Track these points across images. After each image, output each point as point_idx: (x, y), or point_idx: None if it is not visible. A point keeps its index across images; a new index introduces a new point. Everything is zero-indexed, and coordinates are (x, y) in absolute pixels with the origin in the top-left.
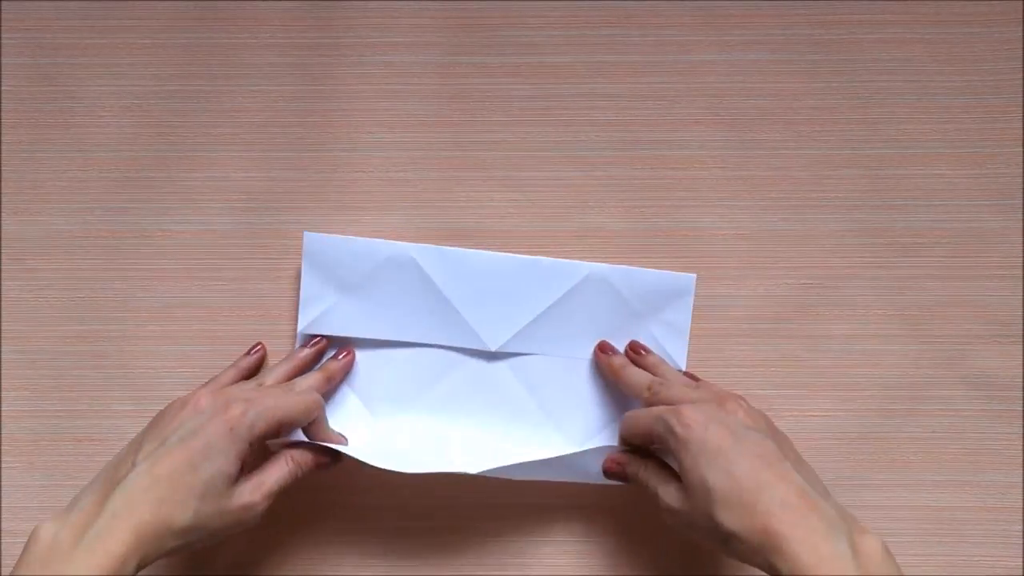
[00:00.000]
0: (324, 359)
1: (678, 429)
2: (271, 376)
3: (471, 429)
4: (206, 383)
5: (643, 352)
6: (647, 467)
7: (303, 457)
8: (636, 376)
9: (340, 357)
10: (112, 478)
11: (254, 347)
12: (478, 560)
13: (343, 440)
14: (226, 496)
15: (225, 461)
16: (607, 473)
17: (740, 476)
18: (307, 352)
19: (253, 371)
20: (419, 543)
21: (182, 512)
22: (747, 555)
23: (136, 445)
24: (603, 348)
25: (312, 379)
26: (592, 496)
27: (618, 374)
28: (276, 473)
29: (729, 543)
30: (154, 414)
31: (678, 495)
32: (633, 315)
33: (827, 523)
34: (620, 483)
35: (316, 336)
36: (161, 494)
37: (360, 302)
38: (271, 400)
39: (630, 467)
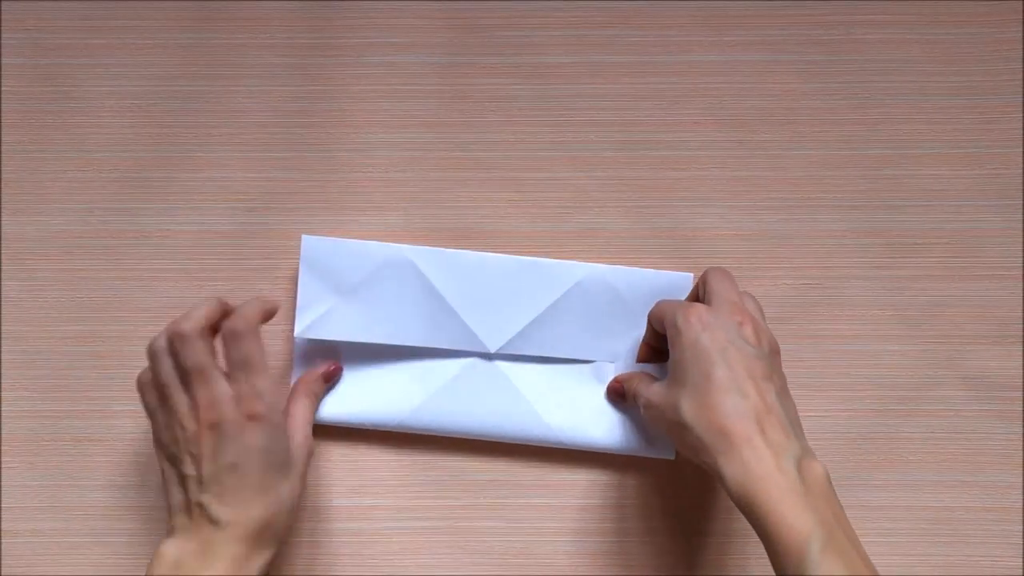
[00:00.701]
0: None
1: (679, 322)
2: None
3: (469, 431)
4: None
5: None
6: (640, 378)
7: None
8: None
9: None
10: (187, 506)
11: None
12: (477, 560)
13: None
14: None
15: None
16: (609, 393)
17: (716, 378)
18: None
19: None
20: (418, 541)
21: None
22: (698, 450)
23: (194, 471)
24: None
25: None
26: (589, 495)
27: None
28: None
29: (685, 435)
30: None
31: (659, 389)
32: (632, 315)
33: (782, 441)
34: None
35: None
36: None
37: (358, 305)
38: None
39: (627, 383)
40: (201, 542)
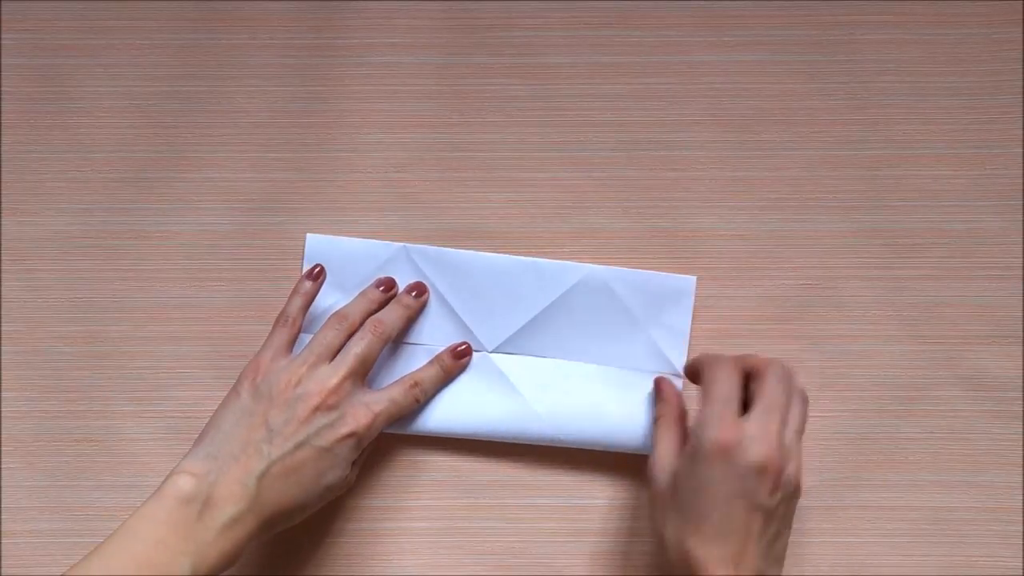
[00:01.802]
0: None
1: (705, 440)
2: (361, 346)
3: (468, 431)
4: (283, 326)
5: None
6: (666, 423)
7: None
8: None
9: (459, 355)
10: (241, 454)
11: (313, 270)
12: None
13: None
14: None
15: (346, 469)
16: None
17: (710, 522)
18: (380, 297)
19: (315, 296)
20: (417, 541)
21: (304, 508)
22: (666, 564)
23: (259, 420)
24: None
25: (431, 375)
26: (589, 495)
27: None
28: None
29: (660, 540)
30: (154, 415)
31: (663, 463)
32: (632, 318)
33: None
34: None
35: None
36: (293, 493)
37: None
38: (393, 406)
39: (664, 407)
40: (226, 494)
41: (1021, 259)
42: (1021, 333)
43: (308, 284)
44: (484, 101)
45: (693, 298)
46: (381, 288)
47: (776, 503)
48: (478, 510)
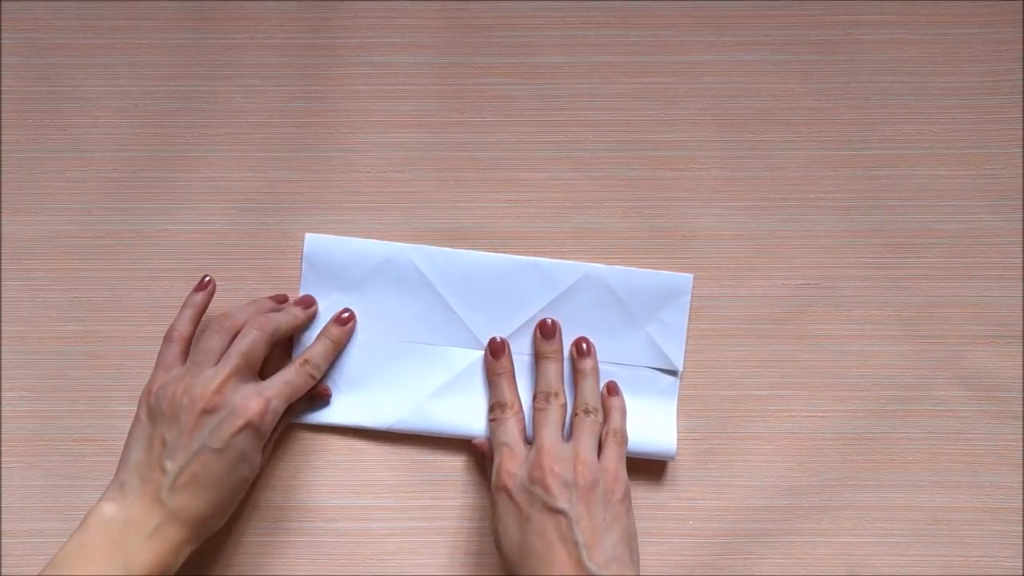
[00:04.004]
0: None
1: (494, 475)
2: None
3: (467, 432)
4: (170, 341)
5: (588, 356)
6: (513, 446)
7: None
8: (548, 375)
9: (343, 321)
10: (148, 476)
11: (203, 280)
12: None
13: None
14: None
15: (256, 458)
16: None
17: (527, 548)
18: (270, 306)
19: (205, 307)
20: (416, 541)
21: (224, 507)
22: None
23: (157, 441)
24: (542, 329)
25: (320, 350)
26: None
27: (538, 361)
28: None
29: (498, 549)
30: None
31: (508, 473)
32: (629, 315)
33: None
34: None
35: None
36: (208, 498)
37: (358, 302)
38: (287, 387)
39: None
40: (144, 511)
41: (1020, 259)
42: (1020, 333)
43: (198, 296)
44: (483, 101)
45: (690, 295)
46: (272, 299)
47: (572, 502)
48: (476, 510)
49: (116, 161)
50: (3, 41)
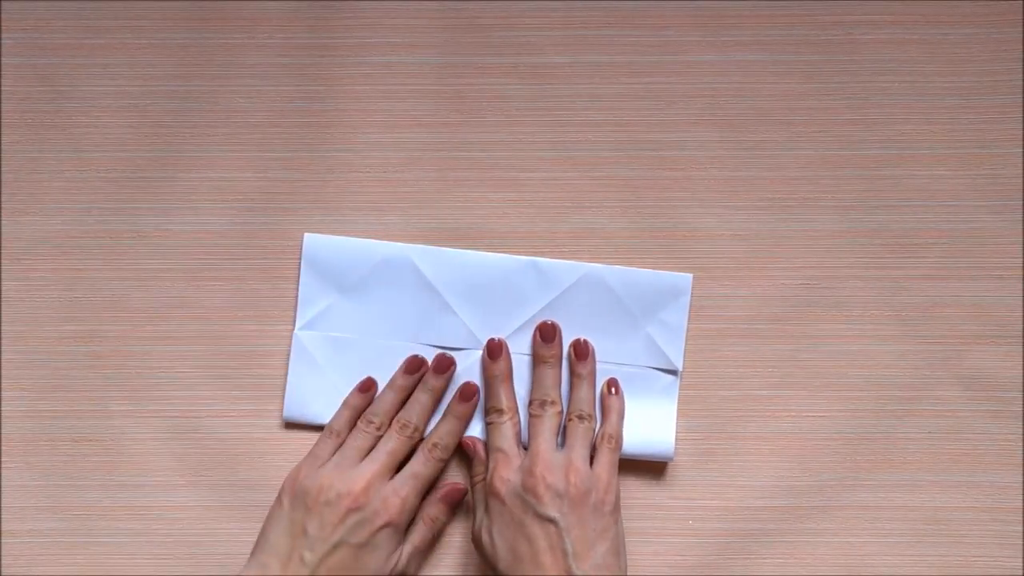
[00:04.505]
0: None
1: (490, 482)
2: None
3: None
4: (328, 437)
5: (586, 359)
6: (507, 452)
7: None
8: (546, 382)
9: (468, 396)
10: (287, 563)
11: (365, 383)
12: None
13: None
14: None
15: (389, 556)
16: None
17: (517, 554)
18: (408, 382)
19: (364, 410)
20: None
21: None
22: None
23: (298, 529)
24: (542, 331)
25: (447, 431)
26: None
27: (536, 365)
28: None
29: (483, 551)
30: (151, 415)
31: (502, 481)
32: (629, 315)
33: None
34: None
35: (416, 357)
36: None
37: (357, 302)
38: (418, 481)
39: (479, 456)
40: None
41: (1020, 259)
42: (1020, 333)
43: (358, 398)
44: (482, 101)
45: (689, 295)
46: (407, 371)
47: (565, 511)
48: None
49: (116, 161)
50: (3, 41)
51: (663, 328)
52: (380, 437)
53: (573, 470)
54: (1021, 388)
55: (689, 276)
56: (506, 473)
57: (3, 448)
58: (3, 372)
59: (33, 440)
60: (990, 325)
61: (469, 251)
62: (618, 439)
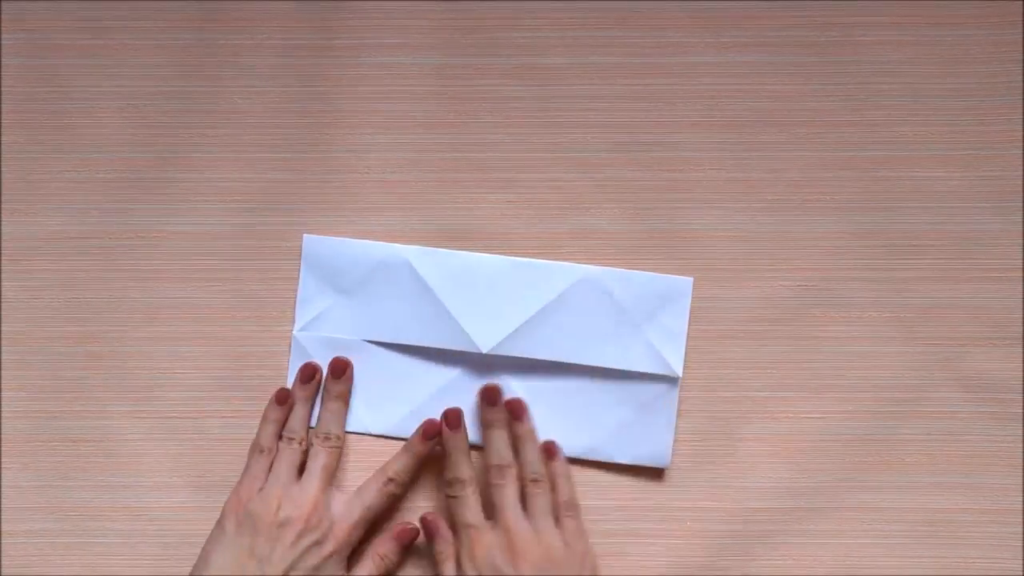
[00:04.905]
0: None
1: (465, 560)
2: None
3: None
4: (259, 454)
5: (522, 419)
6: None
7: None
8: (498, 445)
9: (428, 435)
10: None
11: (282, 393)
12: None
13: None
14: None
15: None
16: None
17: None
18: (309, 391)
19: (285, 420)
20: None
21: None
22: None
23: (245, 554)
24: (486, 395)
25: (403, 466)
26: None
27: (485, 429)
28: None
29: None
30: (150, 416)
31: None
32: (628, 319)
33: None
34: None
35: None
36: None
37: (356, 304)
38: (368, 513)
39: (442, 534)
40: None
41: (1020, 260)
42: (1019, 335)
43: (277, 411)
44: (482, 102)
45: (690, 299)
46: (303, 380)
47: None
48: None
49: (115, 161)
50: (3, 41)
51: (663, 333)
52: (306, 451)
53: (550, 547)
54: (1021, 390)
55: (689, 280)
56: (480, 551)
57: (1, 448)
58: (2, 372)
59: (31, 440)
60: (990, 327)
61: (467, 252)
62: (575, 504)
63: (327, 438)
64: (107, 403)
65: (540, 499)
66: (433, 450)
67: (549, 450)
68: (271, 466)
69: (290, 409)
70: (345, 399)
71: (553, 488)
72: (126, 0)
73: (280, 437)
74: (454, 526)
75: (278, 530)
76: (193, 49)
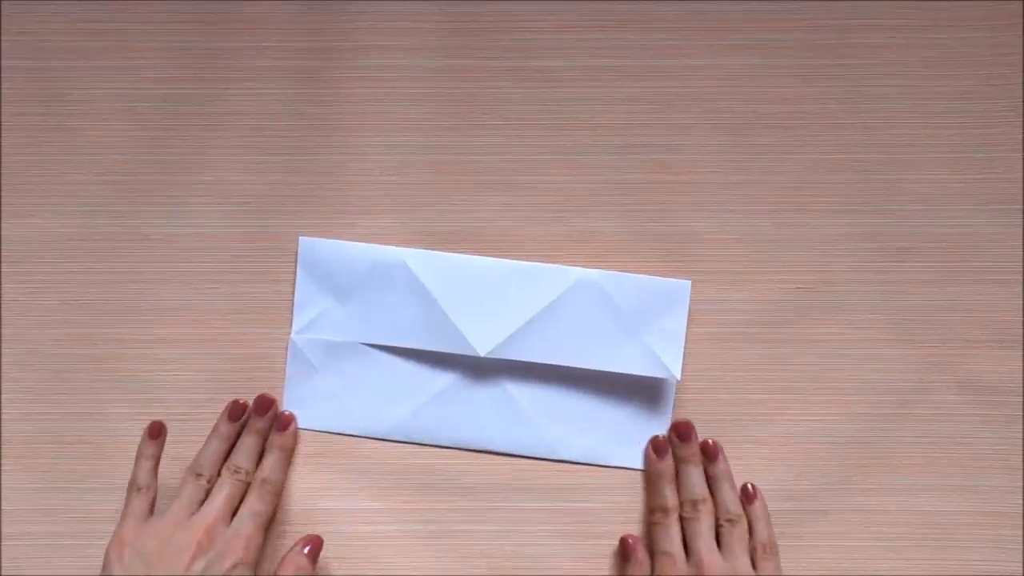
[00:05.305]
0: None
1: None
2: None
3: (460, 442)
4: (138, 494)
5: (717, 459)
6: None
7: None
8: (693, 480)
9: (284, 425)
10: None
11: (153, 427)
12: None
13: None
14: None
15: None
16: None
17: None
18: (232, 429)
19: (159, 455)
20: (411, 544)
21: None
22: None
23: None
24: (679, 430)
25: (272, 465)
26: (582, 497)
27: (679, 464)
28: None
29: None
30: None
31: None
32: (626, 322)
33: None
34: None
35: (238, 401)
36: None
37: (353, 306)
38: (258, 519)
39: (638, 558)
40: None
41: (1019, 263)
42: (1019, 337)
43: (151, 446)
44: (480, 104)
45: (688, 302)
46: (231, 418)
47: None
48: (471, 513)
49: (114, 164)
50: (3, 43)
51: (661, 336)
52: (210, 489)
53: None
54: (1020, 392)
55: (688, 283)
56: None
57: (1, 450)
58: (2, 374)
59: (30, 442)
60: (988, 329)
61: (463, 255)
62: (774, 546)
63: (236, 470)
64: (106, 405)
65: (736, 536)
66: (295, 441)
67: (748, 492)
68: (152, 504)
69: (163, 444)
70: (264, 436)
71: (752, 530)
72: (125, 2)
73: (156, 474)
74: (652, 552)
75: (169, 560)
76: (192, 52)
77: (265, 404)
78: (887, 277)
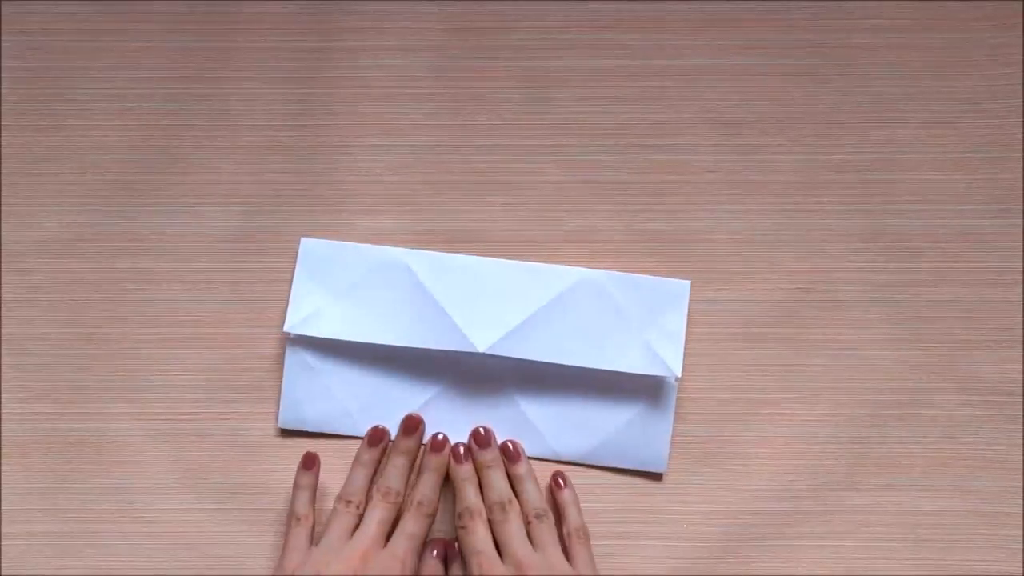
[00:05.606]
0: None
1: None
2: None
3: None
4: (297, 525)
5: (519, 459)
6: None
7: None
8: (498, 484)
9: (439, 447)
10: None
11: (308, 458)
12: None
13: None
14: None
15: None
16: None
17: None
18: (374, 455)
19: (316, 485)
20: None
21: None
22: None
23: None
24: (476, 438)
25: (428, 487)
26: (581, 498)
27: (481, 470)
28: None
29: None
30: (148, 417)
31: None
32: (626, 321)
33: None
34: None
35: (377, 427)
36: None
37: (352, 306)
38: (413, 541)
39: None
40: None
41: (1019, 263)
42: (1018, 338)
43: (307, 476)
44: (480, 104)
45: (688, 302)
46: (371, 444)
47: None
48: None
49: (113, 164)
50: (2, 43)
51: (661, 335)
52: (362, 515)
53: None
54: (1020, 392)
55: (687, 283)
56: None
57: (1, 451)
58: (2, 374)
59: (30, 442)
60: (988, 329)
61: (463, 256)
62: (584, 530)
63: (387, 493)
64: (105, 405)
65: (546, 532)
66: (447, 463)
67: (558, 482)
68: (311, 533)
69: (317, 475)
70: (413, 456)
71: (563, 517)
72: (125, 2)
73: (314, 504)
74: (465, 555)
75: None
76: (191, 52)
77: (413, 424)
78: (886, 277)
